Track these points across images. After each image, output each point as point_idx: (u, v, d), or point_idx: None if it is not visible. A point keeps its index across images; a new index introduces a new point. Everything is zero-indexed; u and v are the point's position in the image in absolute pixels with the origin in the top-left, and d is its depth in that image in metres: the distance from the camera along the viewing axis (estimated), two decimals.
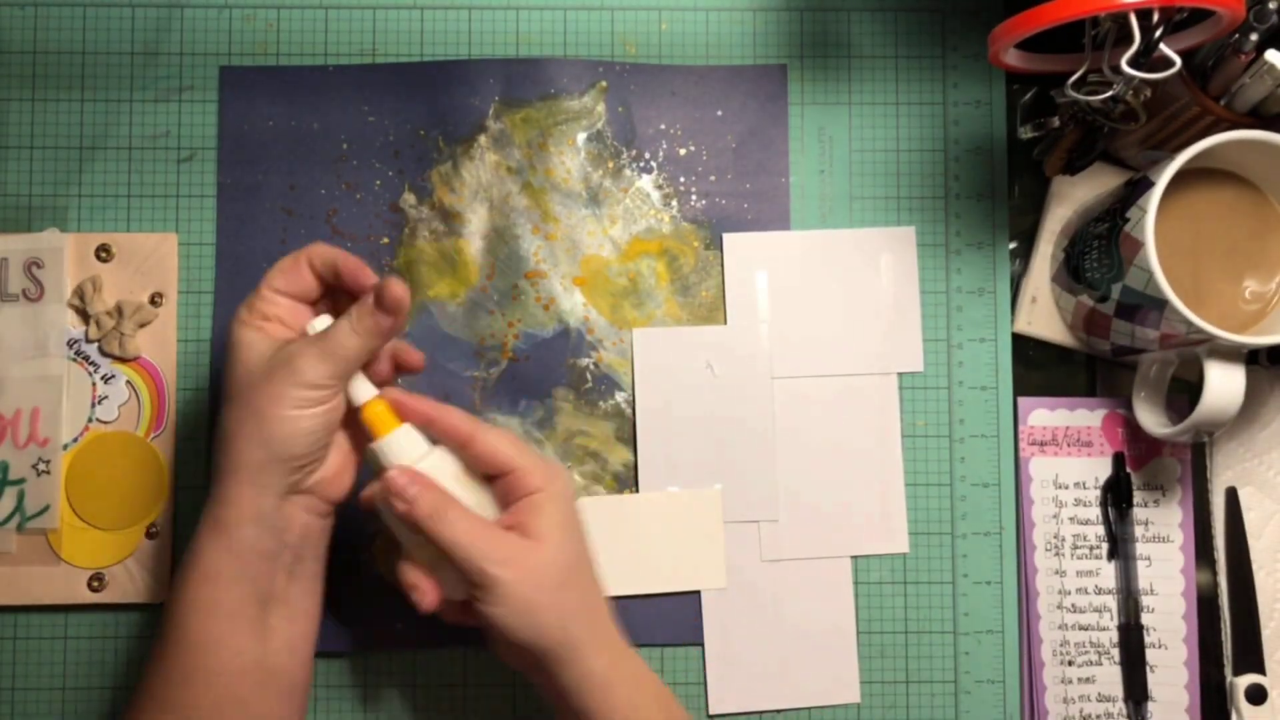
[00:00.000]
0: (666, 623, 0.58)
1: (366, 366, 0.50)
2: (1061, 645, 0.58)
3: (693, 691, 0.58)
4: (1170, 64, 0.46)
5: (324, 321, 0.49)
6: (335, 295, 0.51)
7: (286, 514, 0.48)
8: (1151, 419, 0.56)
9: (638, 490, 0.58)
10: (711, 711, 0.57)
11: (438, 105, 0.59)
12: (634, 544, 0.58)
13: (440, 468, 0.48)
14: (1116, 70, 0.47)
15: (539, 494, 0.48)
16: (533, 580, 0.46)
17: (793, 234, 0.59)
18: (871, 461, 0.59)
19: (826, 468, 0.58)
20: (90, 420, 0.57)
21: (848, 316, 0.59)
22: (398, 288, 0.47)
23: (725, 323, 0.59)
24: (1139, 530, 0.58)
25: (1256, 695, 0.57)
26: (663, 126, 0.60)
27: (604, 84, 0.60)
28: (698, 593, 0.58)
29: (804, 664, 0.58)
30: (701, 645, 0.58)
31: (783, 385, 0.59)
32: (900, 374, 0.59)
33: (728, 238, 0.59)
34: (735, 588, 0.58)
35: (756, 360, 0.59)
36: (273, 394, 0.46)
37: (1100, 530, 0.59)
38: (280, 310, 0.50)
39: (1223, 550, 0.59)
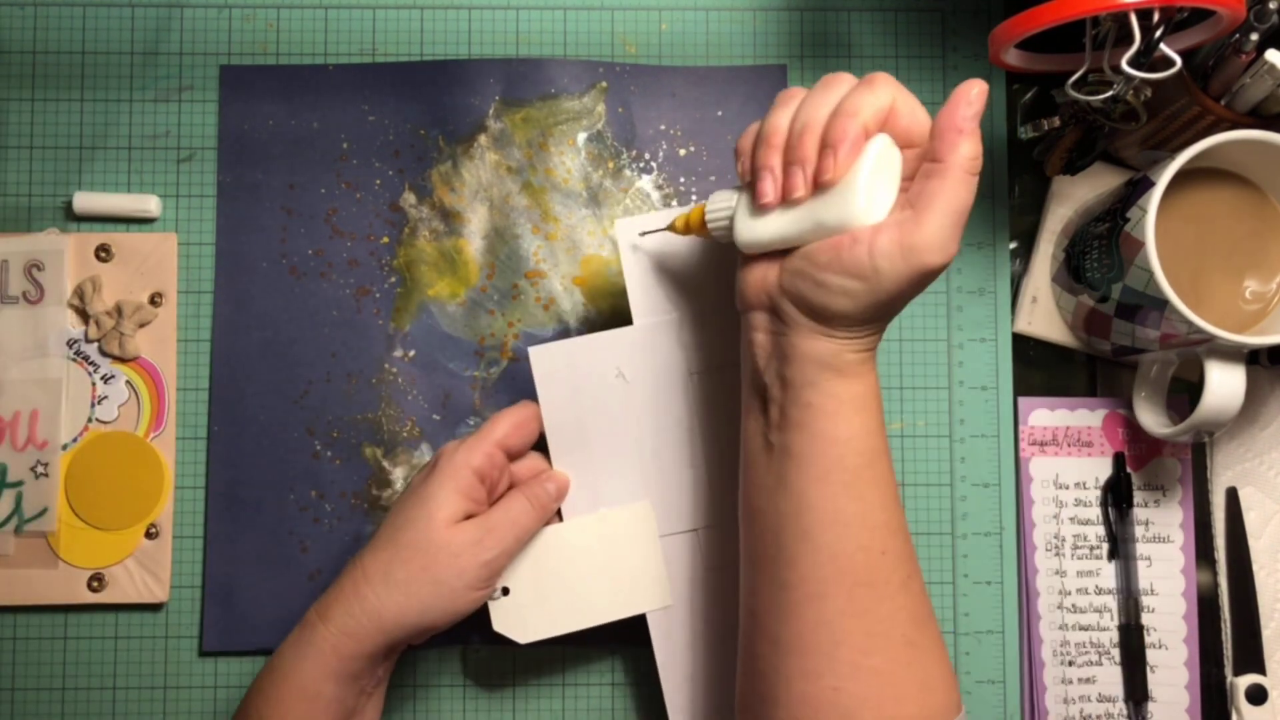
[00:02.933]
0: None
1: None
2: (1062, 645, 0.58)
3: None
4: (1170, 64, 0.46)
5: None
6: None
7: (390, 654, 0.50)
8: (1152, 419, 0.56)
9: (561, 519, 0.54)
10: None
11: (438, 105, 0.59)
12: (568, 576, 0.53)
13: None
14: (1117, 70, 0.47)
15: (940, 164, 0.41)
16: (891, 245, 0.40)
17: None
18: None
19: None
20: (90, 420, 0.57)
21: None
22: (564, 478, 0.53)
23: (631, 324, 0.53)
24: (1139, 530, 0.58)
25: (1257, 695, 0.57)
26: (663, 127, 0.60)
27: (604, 84, 0.60)
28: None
29: None
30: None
31: (702, 379, 0.54)
32: None
33: (623, 234, 0.53)
34: (682, 602, 0.54)
35: (671, 358, 0.54)
36: (458, 569, 0.48)
37: (1100, 530, 0.58)
38: (494, 472, 0.51)
39: (1223, 550, 0.59)
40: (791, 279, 0.43)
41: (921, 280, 0.41)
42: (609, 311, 0.59)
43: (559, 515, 0.54)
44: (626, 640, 0.57)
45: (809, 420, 0.43)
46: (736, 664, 0.47)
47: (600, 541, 0.54)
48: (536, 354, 0.52)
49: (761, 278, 0.44)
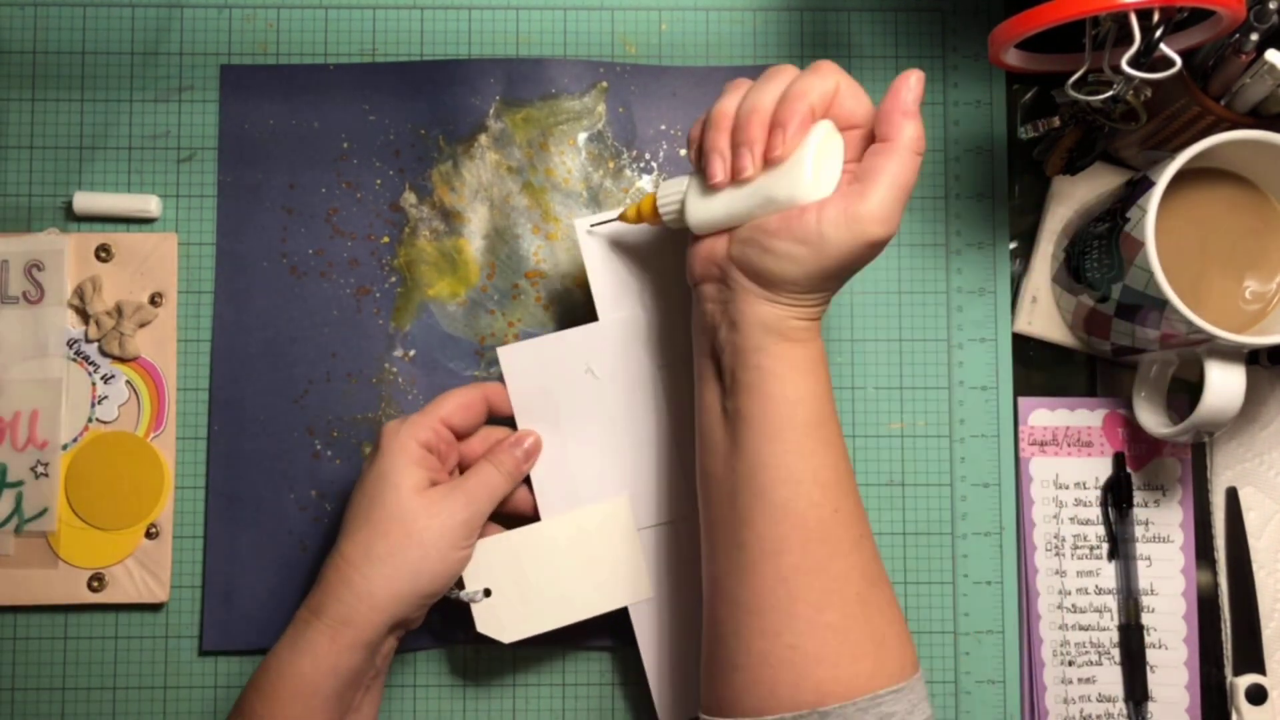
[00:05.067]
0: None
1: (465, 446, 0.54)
2: (1062, 645, 0.58)
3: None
4: (1170, 64, 0.46)
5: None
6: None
7: (386, 638, 0.50)
8: (1152, 419, 0.56)
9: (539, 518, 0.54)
10: None
11: (438, 104, 0.59)
12: (548, 574, 0.53)
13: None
14: (1117, 70, 0.47)
15: (888, 144, 0.43)
16: (836, 217, 0.43)
17: None
18: None
19: None
20: (90, 420, 0.57)
21: None
22: (535, 436, 0.53)
23: (598, 320, 0.54)
24: (1139, 530, 0.58)
25: (1257, 695, 0.57)
26: (663, 127, 0.60)
27: (604, 84, 0.60)
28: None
29: None
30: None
31: (670, 374, 0.54)
32: None
33: (578, 221, 0.53)
34: (662, 594, 0.54)
35: (638, 353, 0.54)
36: (439, 530, 0.48)
37: (1100, 530, 0.59)
38: (442, 446, 0.51)
39: (1223, 550, 0.59)
40: (740, 248, 0.45)
41: (865, 251, 0.43)
42: None
43: (537, 514, 0.54)
44: (626, 640, 0.57)
45: (759, 382, 0.44)
46: (701, 635, 0.48)
47: (579, 538, 0.54)
48: (505, 354, 0.53)
49: (709, 250, 0.46)
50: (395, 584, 0.48)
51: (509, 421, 0.54)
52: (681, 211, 0.47)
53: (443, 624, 0.57)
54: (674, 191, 0.47)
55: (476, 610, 0.53)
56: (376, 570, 0.48)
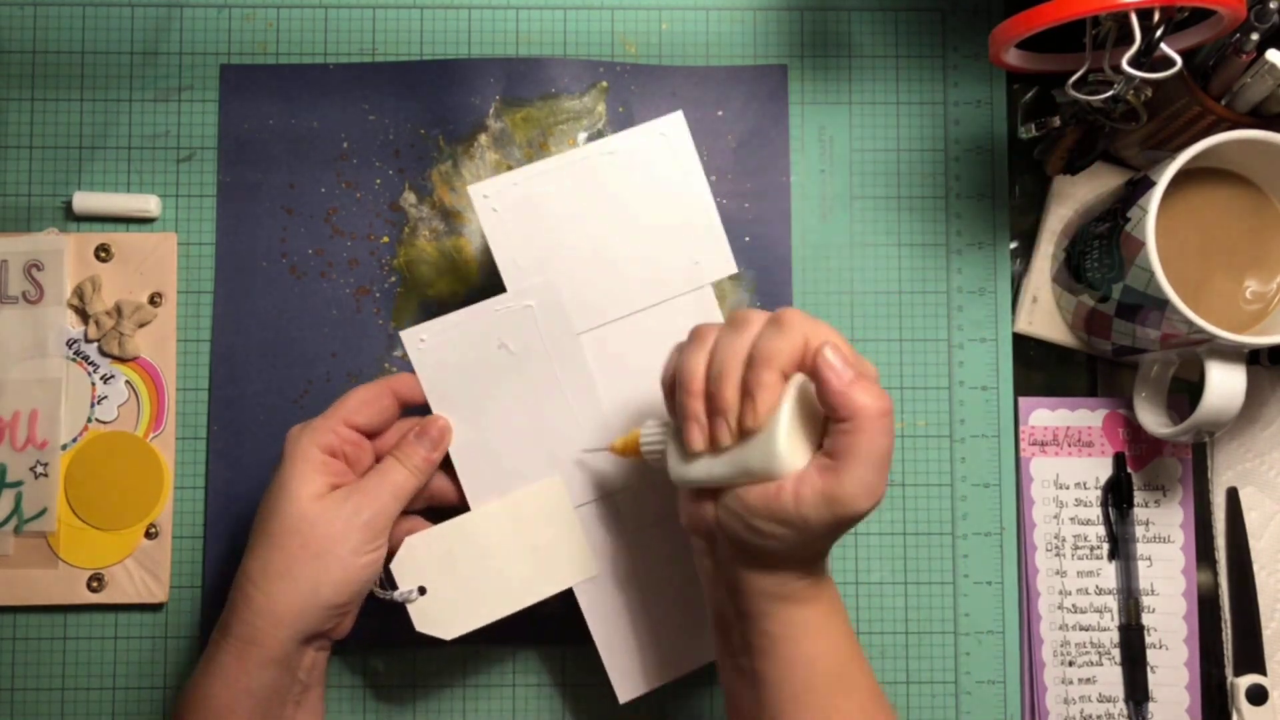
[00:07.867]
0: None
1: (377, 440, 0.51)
2: (1062, 646, 0.58)
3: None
4: (1171, 64, 0.46)
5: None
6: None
7: (302, 652, 0.48)
8: (1152, 419, 0.56)
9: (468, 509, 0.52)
10: (622, 701, 0.53)
11: (438, 104, 0.59)
12: (486, 565, 0.51)
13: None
14: (1117, 70, 0.47)
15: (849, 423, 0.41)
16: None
17: (545, 164, 0.50)
18: None
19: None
20: (89, 420, 0.57)
21: (639, 238, 0.51)
22: (441, 422, 0.50)
23: (505, 289, 0.51)
24: (1140, 530, 0.58)
25: (1257, 695, 0.57)
26: None
27: (604, 84, 0.60)
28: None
29: (705, 621, 0.52)
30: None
31: (592, 338, 0.51)
32: (716, 284, 0.53)
33: (473, 189, 0.50)
34: (608, 569, 0.52)
35: (553, 322, 0.51)
36: (337, 536, 0.46)
37: (1101, 530, 0.58)
38: (348, 449, 0.49)
39: (1223, 551, 0.59)
40: (727, 518, 0.43)
41: (850, 523, 0.41)
42: None
43: (465, 504, 0.51)
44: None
45: (770, 647, 0.43)
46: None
47: (514, 524, 0.51)
48: (408, 336, 0.50)
49: (700, 510, 0.45)
50: (296, 599, 0.46)
51: (426, 411, 0.51)
52: (663, 458, 0.46)
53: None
54: (656, 436, 0.46)
55: (413, 610, 0.50)
56: (275, 585, 0.46)
